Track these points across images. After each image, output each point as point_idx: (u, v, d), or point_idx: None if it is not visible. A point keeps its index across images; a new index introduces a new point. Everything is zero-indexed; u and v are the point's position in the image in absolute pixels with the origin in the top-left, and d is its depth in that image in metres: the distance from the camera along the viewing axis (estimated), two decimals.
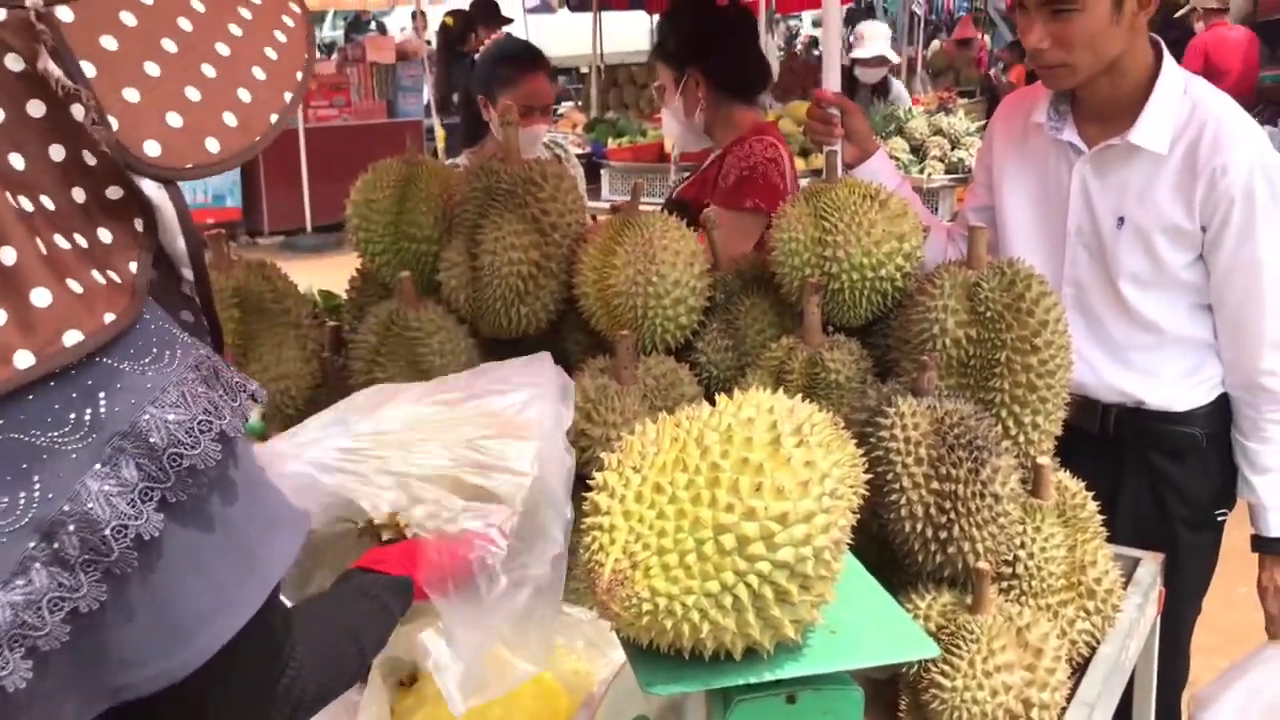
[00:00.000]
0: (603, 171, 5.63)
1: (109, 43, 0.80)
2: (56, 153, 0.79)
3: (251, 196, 10.38)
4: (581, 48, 13.16)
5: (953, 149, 5.47)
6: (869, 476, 1.33)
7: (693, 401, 1.73)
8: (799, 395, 1.62)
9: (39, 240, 0.76)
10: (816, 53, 16.69)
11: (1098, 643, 1.56)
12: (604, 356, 1.77)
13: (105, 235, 0.81)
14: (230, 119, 0.85)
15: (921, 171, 5.31)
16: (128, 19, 0.82)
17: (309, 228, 10.05)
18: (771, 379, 1.68)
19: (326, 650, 0.99)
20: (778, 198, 2.32)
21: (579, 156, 5.61)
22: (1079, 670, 1.53)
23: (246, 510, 0.83)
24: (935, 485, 1.43)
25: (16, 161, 0.77)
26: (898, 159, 5.20)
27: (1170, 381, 1.93)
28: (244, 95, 0.86)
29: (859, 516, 1.41)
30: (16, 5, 0.77)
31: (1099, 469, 1.96)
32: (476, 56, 7.84)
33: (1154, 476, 1.98)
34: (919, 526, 1.44)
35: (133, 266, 0.81)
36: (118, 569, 0.73)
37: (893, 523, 1.46)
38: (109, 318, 0.77)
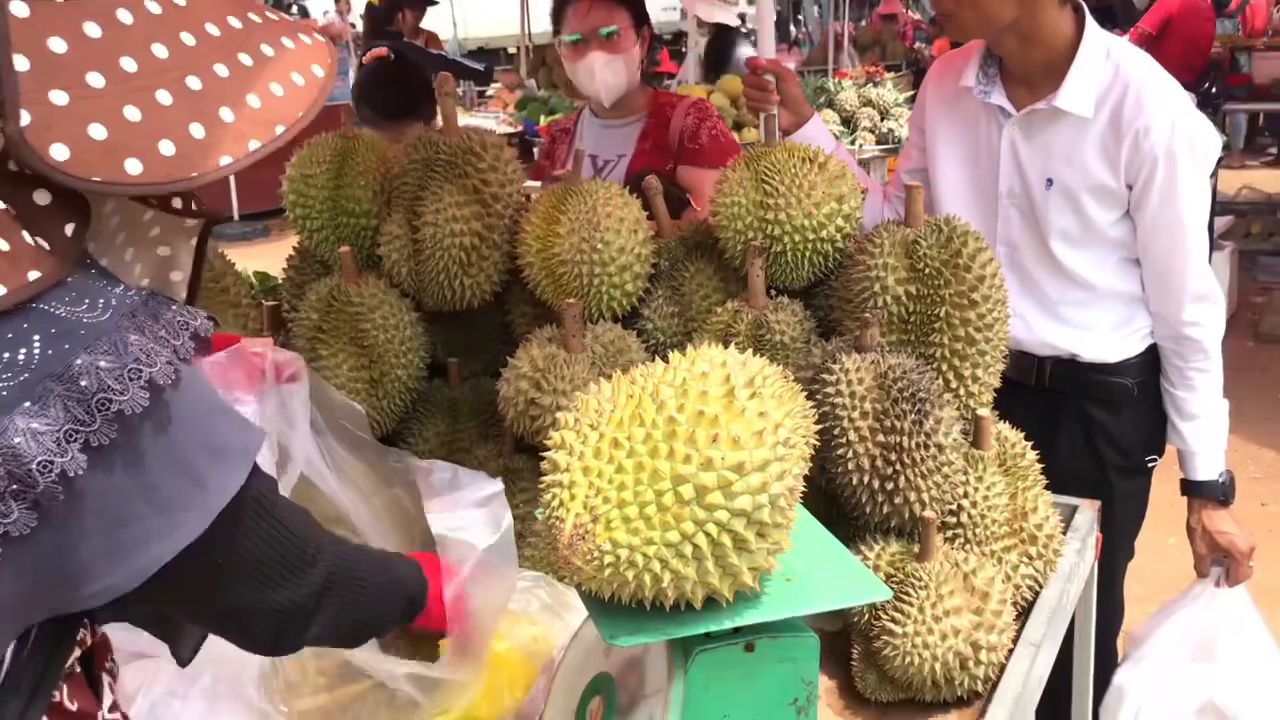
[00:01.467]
0: (535, 149, 5.61)
1: (56, 45, 0.81)
2: None
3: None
4: (509, 28, 13.05)
5: (882, 120, 5.55)
6: (816, 429, 1.36)
7: None
8: None
9: None
10: (744, 30, 16.78)
11: (1040, 586, 1.60)
12: (551, 326, 1.77)
13: (41, 198, 0.83)
14: (167, 148, 0.84)
15: (853, 143, 5.37)
16: (91, 30, 0.83)
17: (235, 215, 9.86)
18: (718, 342, 1.70)
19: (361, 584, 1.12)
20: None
21: (511, 135, 5.59)
22: (1023, 613, 1.58)
23: (193, 438, 0.87)
24: (881, 438, 1.46)
25: None
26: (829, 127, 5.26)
27: (1102, 334, 1.99)
28: (197, 130, 0.86)
29: (808, 472, 1.45)
30: None
31: (1037, 420, 2.02)
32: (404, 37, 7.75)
33: (1089, 426, 2.04)
34: (866, 478, 1.47)
35: (68, 230, 0.84)
36: (45, 500, 0.77)
37: (840, 476, 1.49)
38: (33, 275, 0.80)
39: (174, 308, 0.85)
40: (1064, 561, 1.67)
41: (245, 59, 0.91)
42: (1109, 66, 1.84)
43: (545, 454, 1.10)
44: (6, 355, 0.77)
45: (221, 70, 0.89)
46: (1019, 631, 1.52)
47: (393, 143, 1.97)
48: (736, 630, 1.18)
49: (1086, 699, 1.97)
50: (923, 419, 1.46)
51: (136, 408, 0.80)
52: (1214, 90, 8.10)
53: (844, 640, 1.54)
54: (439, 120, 1.93)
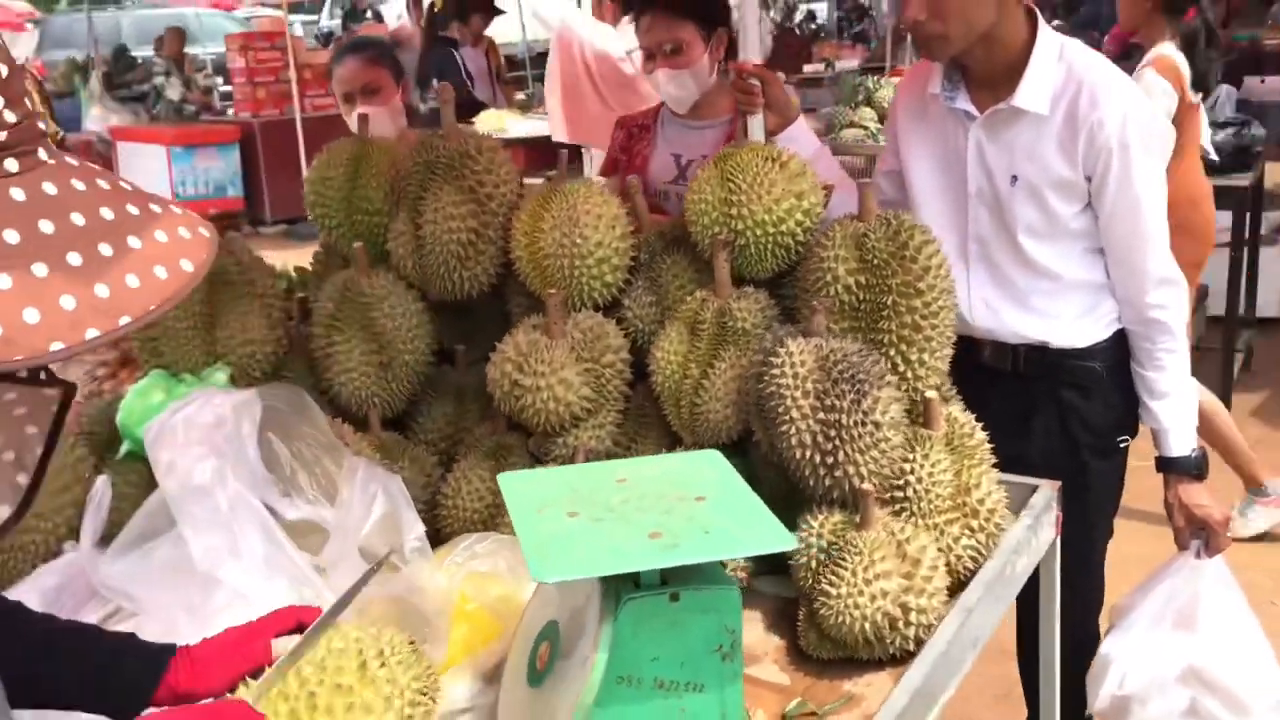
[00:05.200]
0: (584, 153, 5.76)
1: None
2: None
3: (253, 186, 10.57)
4: None
5: None
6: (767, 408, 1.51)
7: (618, 352, 1.89)
8: (711, 342, 1.80)
9: None
10: (814, 25, 16.77)
11: (982, 558, 1.71)
12: (538, 315, 1.93)
13: None
14: None
15: None
16: None
17: (310, 215, 10.22)
18: (687, 329, 1.84)
19: None
20: None
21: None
22: (966, 582, 1.69)
23: None
24: (821, 415, 1.59)
25: None
26: (866, 128, 5.33)
27: (1070, 322, 2.08)
28: (30, 315, 0.87)
29: (762, 449, 1.59)
30: None
31: (1013, 405, 2.13)
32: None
33: (1061, 409, 2.14)
34: (808, 453, 1.60)
35: None
36: None
37: (785, 451, 1.62)
38: None
39: None
40: (1011, 535, 1.78)
41: (105, 249, 0.91)
42: (1062, 66, 1.94)
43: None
44: None
45: (74, 259, 0.89)
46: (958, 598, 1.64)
47: None
48: (664, 582, 1.32)
49: (1053, 669, 2.07)
50: (860, 398, 1.59)
51: None
52: None
53: (795, 605, 1.67)
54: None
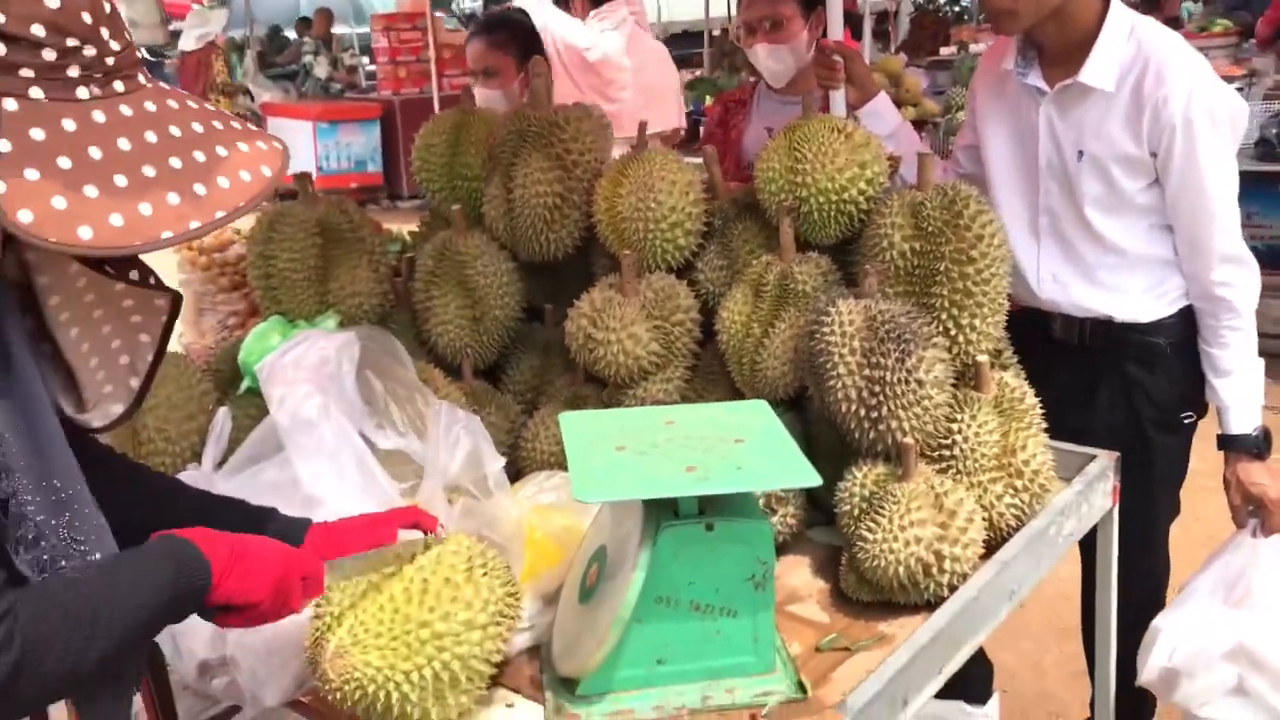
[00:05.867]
0: (701, 127, 5.86)
1: (36, 134, 1.00)
2: None
3: (391, 162, 11.01)
4: (712, 10, 13.31)
5: None
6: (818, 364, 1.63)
7: (688, 311, 2.01)
8: (773, 304, 1.90)
9: None
10: (958, 7, 16.40)
11: (1025, 517, 1.77)
12: (616, 275, 2.06)
13: None
14: (116, 220, 1.00)
15: None
16: (68, 125, 1.01)
17: (405, 191, 10.59)
18: (751, 290, 1.95)
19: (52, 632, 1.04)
20: None
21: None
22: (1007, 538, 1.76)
23: None
24: (867, 372, 1.68)
25: None
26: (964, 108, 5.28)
27: (1136, 296, 2.11)
28: (144, 208, 1.02)
29: (814, 404, 1.70)
30: None
31: (1079, 378, 2.18)
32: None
33: (1126, 383, 2.17)
34: (853, 408, 1.69)
35: None
36: None
37: (833, 405, 1.72)
38: None
39: None
40: (1059, 498, 1.83)
41: (199, 156, 1.07)
42: (1132, 44, 1.97)
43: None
44: None
45: (175, 163, 1.06)
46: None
47: None
48: (701, 512, 1.45)
49: (1109, 636, 2.11)
50: (905, 357, 1.67)
51: None
52: None
53: (841, 554, 1.77)
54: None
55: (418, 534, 1.49)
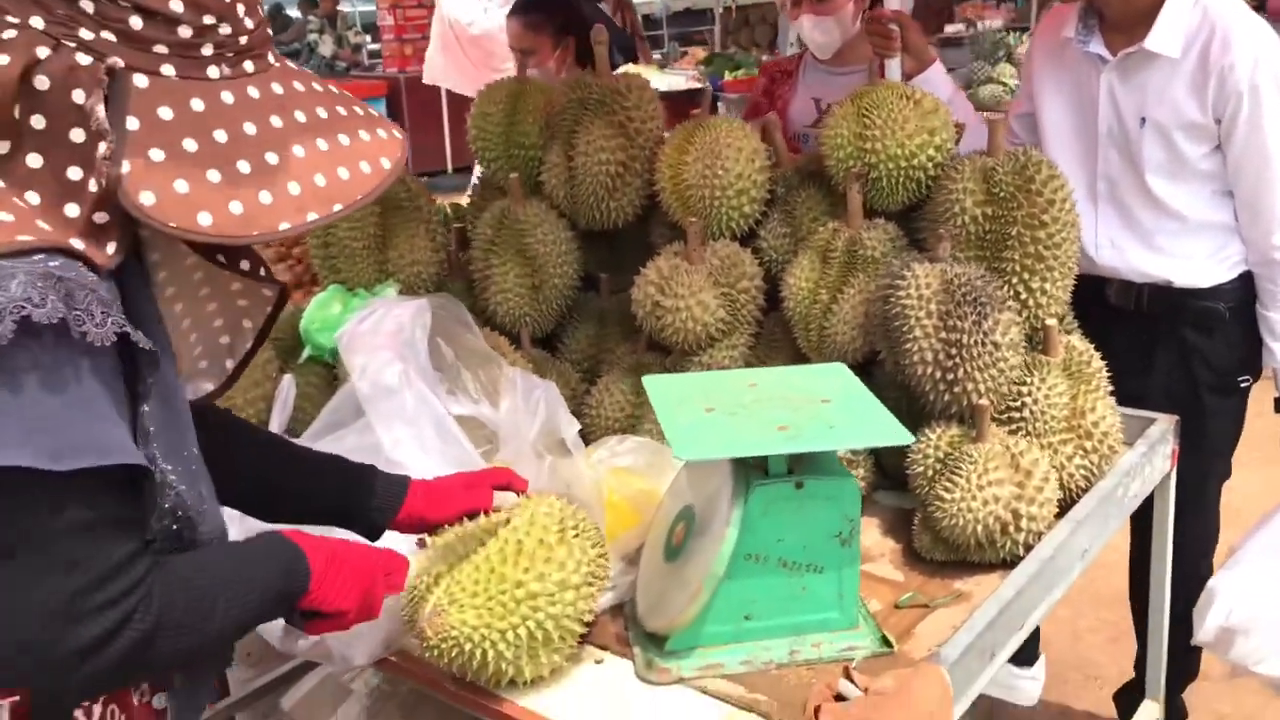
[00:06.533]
0: (719, 103, 5.87)
1: (164, 113, 0.97)
2: (74, 173, 0.97)
3: None
4: None
5: None
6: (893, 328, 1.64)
7: (753, 279, 2.03)
8: (841, 270, 1.92)
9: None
10: None
11: (1094, 478, 1.80)
12: (680, 242, 2.07)
13: (100, 218, 0.98)
14: (236, 208, 0.98)
15: None
16: (196, 105, 0.99)
17: (449, 169, 10.60)
18: (819, 257, 1.96)
19: (187, 609, 1.04)
20: None
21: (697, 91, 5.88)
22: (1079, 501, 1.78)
23: (49, 397, 0.91)
24: (943, 335, 1.70)
25: (34, 161, 0.96)
26: (1005, 84, 5.29)
27: (1196, 262, 2.13)
28: (265, 197, 1.00)
29: (886, 368, 1.71)
30: (100, 57, 0.96)
31: (1136, 342, 2.20)
32: None
33: (1183, 348, 2.19)
34: (929, 370, 1.71)
35: (108, 248, 0.99)
36: None
37: (908, 368, 1.74)
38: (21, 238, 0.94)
39: (87, 294, 0.92)
40: (1125, 459, 1.86)
41: (322, 144, 1.05)
42: (1197, 10, 1.98)
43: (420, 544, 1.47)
44: None
45: (299, 150, 1.03)
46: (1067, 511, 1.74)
47: None
48: (790, 471, 1.47)
49: (1163, 598, 2.14)
50: (982, 320, 1.69)
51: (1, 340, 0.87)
52: None
53: (909, 516, 1.79)
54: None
55: (511, 495, 1.51)
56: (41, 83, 0.95)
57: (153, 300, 1.12)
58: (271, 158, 1.02)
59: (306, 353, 2.20)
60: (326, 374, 2.19)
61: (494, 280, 2.22)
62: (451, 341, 1.94)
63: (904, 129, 1.89)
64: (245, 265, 1.22)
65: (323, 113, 1.08)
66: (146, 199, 0.95)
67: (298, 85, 1.09)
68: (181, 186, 0.96)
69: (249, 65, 1.05)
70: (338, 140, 1.07)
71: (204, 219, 0.97)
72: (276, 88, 1.06)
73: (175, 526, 1.06)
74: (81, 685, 0.97)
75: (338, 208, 1.04)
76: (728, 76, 5.98)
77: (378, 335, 1.80)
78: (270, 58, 1.09)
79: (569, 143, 2.17)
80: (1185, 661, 2.39)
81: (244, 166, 1.00)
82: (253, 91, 1.04)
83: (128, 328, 0.96)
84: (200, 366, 1.30)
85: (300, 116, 1.06)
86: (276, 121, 1.04)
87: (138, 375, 1.01)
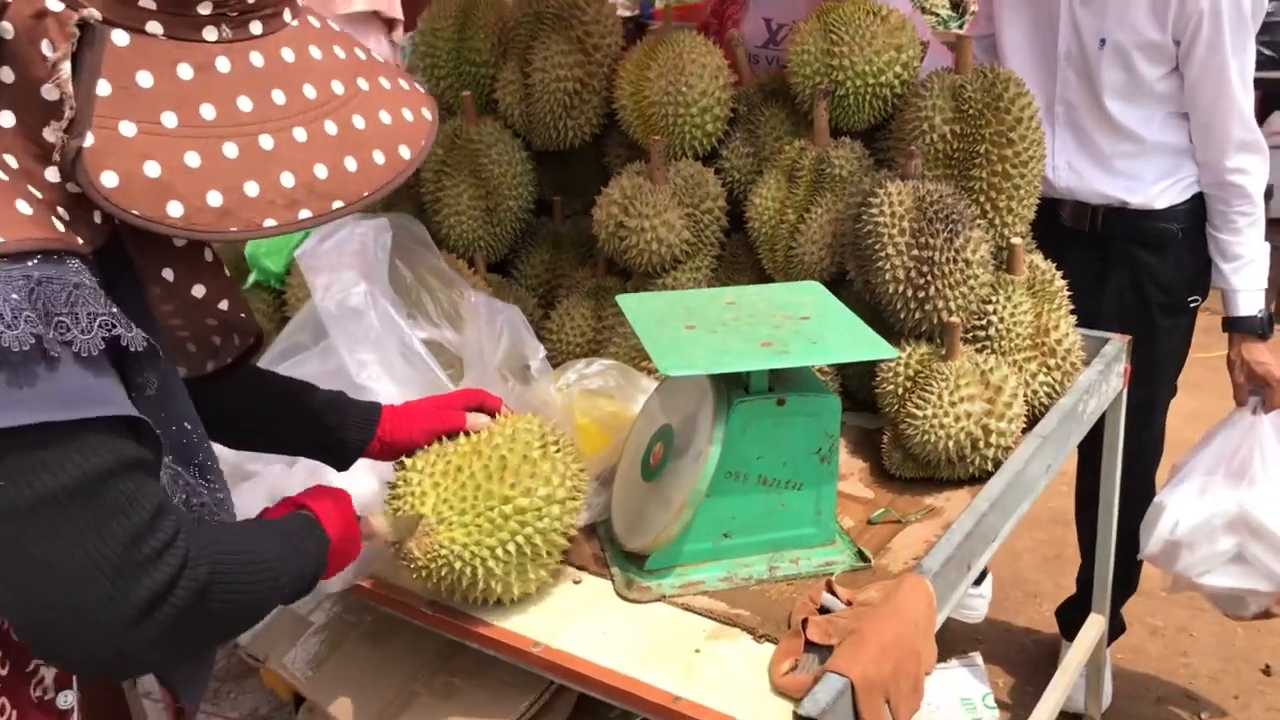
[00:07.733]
0: (649, 29, 5.76)
1: (144, 78, 0.83)
2: (50, 134, 0.84)
3: None
4: None
5: None
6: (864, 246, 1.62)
7: (716, 200, 2.00)
8: (808, 189, 1.90)
9: None
10: None
11: (1057, 394, 1.83)
12: (640, 162, 2.03)
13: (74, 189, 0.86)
14: (215, 199, 0.84)
15: (961, 26, 5.40)
16: (183, 71, 0.85)
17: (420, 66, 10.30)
18: (784, 176, 1.94)
19: (244, 565, 0.99)
20: None
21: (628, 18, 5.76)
22: (1041, 415, 1.81)
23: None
24: (915, 252, 1.69)
25: (6, 119, 0.85)
26: (937, 14, 5.30)
27: (1150, 183, 2.16)
28: (250, 188, 0.85)
29: (855, 287, 1.70)
30: (74, 5, 0.82)
31: (1090, 263, 2.23)
32: None
33: (1135, 268, 2.23)
34: (901, 288, 1.71)
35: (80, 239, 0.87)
36: None
37: (879, 286, 1.73)
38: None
39: (69, 295, 0.82)
40: (1084, 377, 1.89)
41: (331, 127, 0.90)
42: None
43: (400, 466, 1.40)
44: None
45: (300, 134, 0.88)
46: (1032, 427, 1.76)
47: None
48: (771, 389, 1.46)
49: (1111, 515, 2.20)
50: (953, 237, 1.69)
51: None
52: None
53: (878, 435, 1.80)
54: None
55: (484, 416, 1.47)
56: (5, 30, 0.82)
57: (138, 281, 1.00)
58: (266, 141, 0.87)
59: (252, 278, 2.11)
60: (274, 300, 2.12)
61: (446, 203, 2.15)
62: (411, 263, 1.88)
63: (871, 45, 1.87)
64: (224, 305, 1.05)
65: (339, 87, 0.93)
66: (108, 180, 0.81)
67: (314, 52, 0.93)
68: (152, 169, 0.82)
69: (256, 26, 0.89)
70: (351, 123, 0.92)
71: (174, 209, 0.83)
72: (287, 54, 0.91)
73: (181, 498, 1.01)
74: (140, 648, 0.86)
75: (338, 205, 0.90)
76: (659, 4, 5.86)
77: (342, 254, 1.73)
78: (287, 15, 0.93)
79: (525, 59, 2.10)
80: (1127, 576, 2.47)
81: (230, 150, 0.85)
82: (256, 59, 0.89)
83: (119, 329, 0.84)
84: (189, 350, 1.17)
85: (310, 92, 0.91)
86: (279, 97, 0.89)
87: (131, 362, 0.90)
